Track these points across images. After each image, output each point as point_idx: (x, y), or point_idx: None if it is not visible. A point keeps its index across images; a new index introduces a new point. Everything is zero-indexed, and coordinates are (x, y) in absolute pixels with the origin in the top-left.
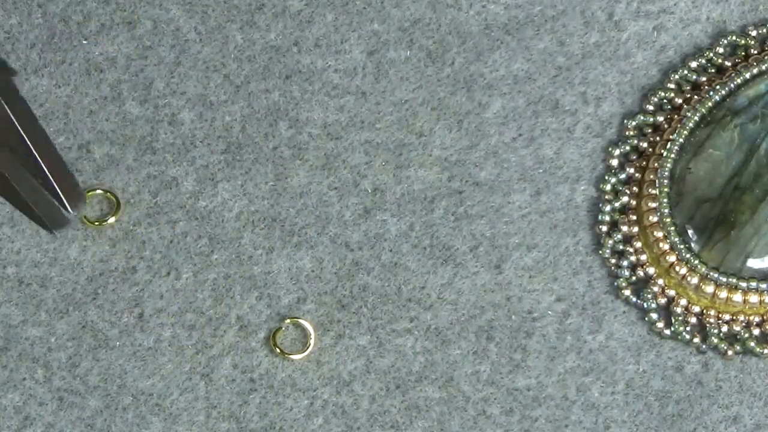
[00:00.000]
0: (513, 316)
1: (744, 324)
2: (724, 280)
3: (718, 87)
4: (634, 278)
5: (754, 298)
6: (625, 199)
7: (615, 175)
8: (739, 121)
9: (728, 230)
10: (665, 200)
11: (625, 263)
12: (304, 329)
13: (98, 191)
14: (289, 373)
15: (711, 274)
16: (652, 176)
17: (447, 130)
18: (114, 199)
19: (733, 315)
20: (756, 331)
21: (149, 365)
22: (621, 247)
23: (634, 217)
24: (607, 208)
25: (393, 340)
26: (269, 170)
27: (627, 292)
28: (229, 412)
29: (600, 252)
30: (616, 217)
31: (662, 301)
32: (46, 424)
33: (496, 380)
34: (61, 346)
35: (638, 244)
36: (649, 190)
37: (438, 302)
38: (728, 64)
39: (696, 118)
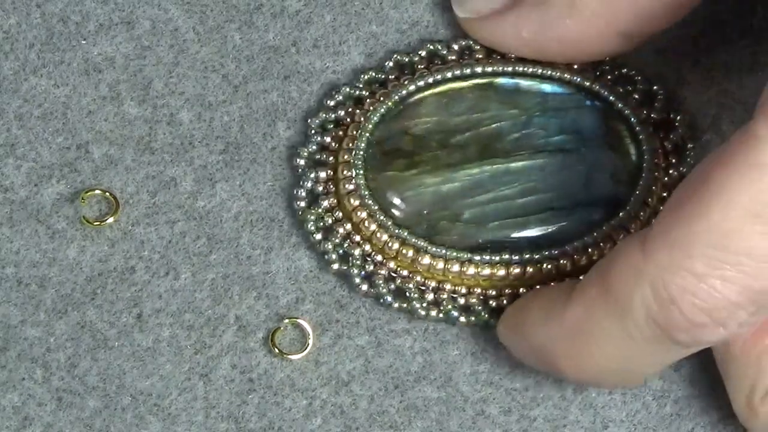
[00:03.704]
0: None
1: (450, 291)
2: (420, 243)
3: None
4: (342, 251)
5: (455, 267)
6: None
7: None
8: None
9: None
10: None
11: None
12: (302, 329)
13: (97, 191)
14: (287, 373)
15: (406, 236)
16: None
17: None
18: (113, 200)
19: (439, 282)
20: (462, 300)
21: (148, 365)
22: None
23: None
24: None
25: (391, 340)
26: (268, 170)
27: (336, 266)
28: (228, 412)
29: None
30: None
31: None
32: (45, 424)
33: (494, 380)
34: (60, 347)
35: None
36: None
37: None
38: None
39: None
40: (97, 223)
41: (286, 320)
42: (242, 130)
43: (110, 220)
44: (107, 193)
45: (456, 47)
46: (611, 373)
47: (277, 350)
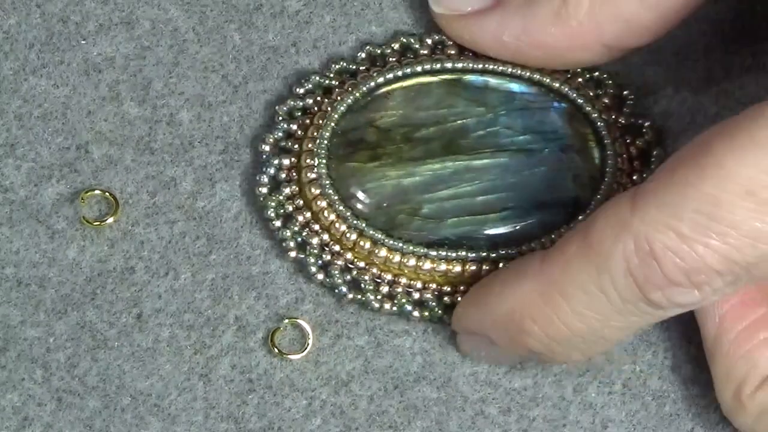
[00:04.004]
0: None
1: (406, 285)
2: (377, 235)
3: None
4: (300, 239)
5: (411, 261)
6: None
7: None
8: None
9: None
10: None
11: (294, 225)
12: (302, 329)
13: (97, 191)
14: (287, 373)
15: (364, 227)
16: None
17: None
18: (112, 200)
19: (395, 276)
20: (416, 295)
21: (148, 366)
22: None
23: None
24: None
25: (391, 340)
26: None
27: (293, 254)
28: (228, 412)
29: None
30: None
31: (331, 259)
32: (45, 424)
33: (493, 381)
34: (60, 347)
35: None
36: (309, 144)
37: None
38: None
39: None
40: (97, 223)
41: (286, 320)
42: (242, 130)
43: (110, 220)
44: (107, 194)
45: (429, 41)
46: (579, 340)
47: (276, 350)
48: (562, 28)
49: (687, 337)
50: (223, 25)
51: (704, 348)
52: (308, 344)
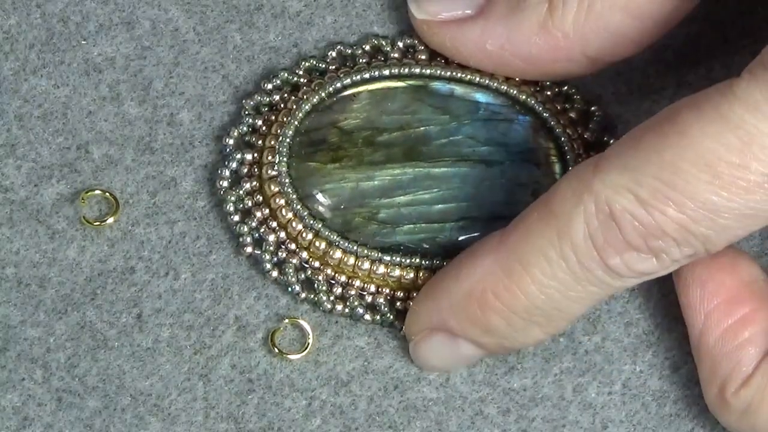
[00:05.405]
0: None
1: (359, 288)
2: (333, 237)
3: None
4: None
5: (365, 265)
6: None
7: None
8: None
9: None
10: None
11: (252, 221)
12: (302, 329)
13: (97, 191)
14: (287, 373)
15: (320, 228)
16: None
17: None
18: (113, 200)
19: (348, 278)
20: (370, 299)
21: (148, 366)
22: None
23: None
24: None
25: (391, 341)
26: None
27: (249, 249)
28: (228, 412)
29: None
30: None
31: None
32: (45, 424)
33: (492, 381)
34: (60, 347)
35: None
36: (271, 142)
37: None
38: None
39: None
40: (97, 223)
41: (286, 320)
42: None
43: (110, 220)
44: (107, 194)
45: (401, 45)
46: (539, 312)
47: (276, 350)
48: (547, 39)
49: (687, 337)
50: (224, 25)
51: (691, 346)
52: (308, 344)
